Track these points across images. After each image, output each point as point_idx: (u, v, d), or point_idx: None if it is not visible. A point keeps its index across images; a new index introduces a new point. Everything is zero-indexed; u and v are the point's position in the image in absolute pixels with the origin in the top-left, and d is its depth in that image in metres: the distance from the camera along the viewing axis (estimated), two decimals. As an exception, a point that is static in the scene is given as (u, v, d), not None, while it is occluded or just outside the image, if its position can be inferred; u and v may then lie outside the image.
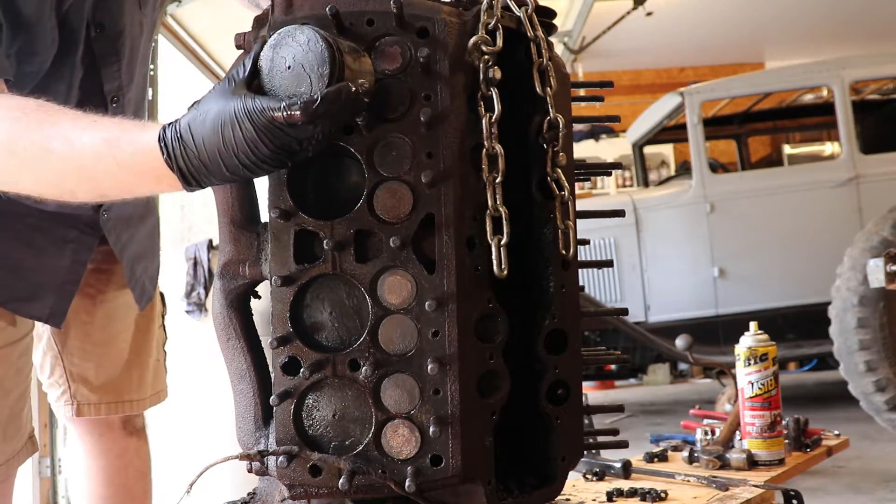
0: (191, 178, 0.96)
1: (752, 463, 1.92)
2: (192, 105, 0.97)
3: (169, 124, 0.97)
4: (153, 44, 1.69)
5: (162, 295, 1.86)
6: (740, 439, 2.04)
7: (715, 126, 6.50)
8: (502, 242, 1.02)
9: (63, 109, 1.06)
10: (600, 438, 1.30)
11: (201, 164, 0.94)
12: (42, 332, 1.66)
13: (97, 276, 1.66)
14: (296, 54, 0.91)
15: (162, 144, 0.95)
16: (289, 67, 0.92)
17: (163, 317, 1.86)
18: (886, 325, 4.05)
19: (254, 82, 0.93)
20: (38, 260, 1.46)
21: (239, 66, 0.95)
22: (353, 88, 0.90)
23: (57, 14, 1.33)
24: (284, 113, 0.88)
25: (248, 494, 1.19)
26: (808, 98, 6.34)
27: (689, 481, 1.77)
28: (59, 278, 1.50)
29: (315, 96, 0.88)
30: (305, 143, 0.92)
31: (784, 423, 2.08)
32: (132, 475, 1.78)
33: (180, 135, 0.94)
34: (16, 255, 1.43)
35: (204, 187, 0.99)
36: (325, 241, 1.01)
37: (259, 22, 1.08)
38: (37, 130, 1.03)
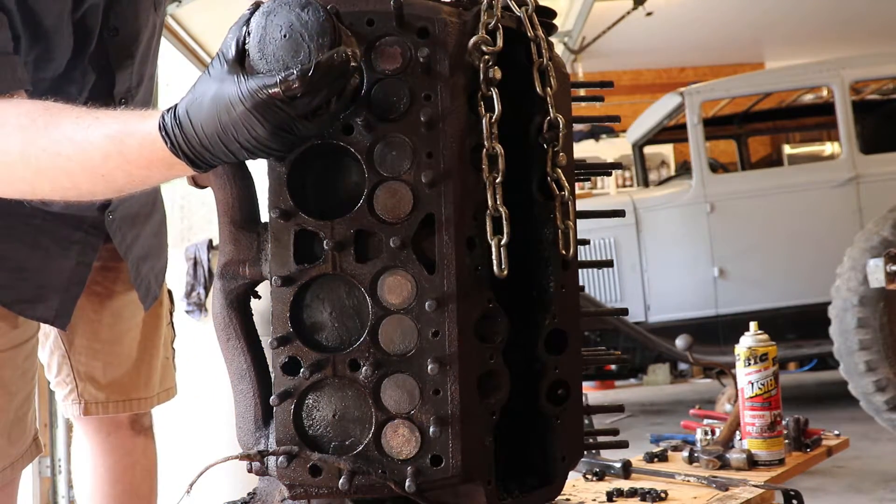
0: (199, 162, 0.95)
1: (752, 463, 1.92)
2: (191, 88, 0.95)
3: (168, 110, 0.95)
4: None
5: (170, 292, 1.85)
6: (740, 439, 2.04)
7: (715, 126, 6.50)
8: (502, 242, 1.02)
9: (66, 109, 1.05)
10: (600, 438, 1.30)
11: (204, 149, 0.93)
12: (49, 331, 1.65)
13: (104, 275, 1.65)
14: (292, 22, 0.89)
15: (163, 133, 0.94)
16: (284, 35, 0.89)
17: (171, 314, 1.85)
18: (886, 325, 4.04)
19: (245, 57, 0.90)
20: (42, 261, 1.45)
21: (229, 41, 0.92)
22: (350, 53, 0.88)
23: (73, 19, 1.32)
24: (282, 87, 0.85)
25: (248, 494, 1.19)
26: (808, 98, 6.34)
27: (689, 481, 1.77)
28: (64, 279, 1.49)
29: (312, 64, 0.86)
30: (303, 122, 0.89)
31: (784, 423, 2.08)
32: (139, 474, 1.77)
33: (179, 122, 0.93)
34: (20, 257, 1.42)
35: (215, 167, 0.98)
36: (325, 241, 1.01)
37: (257, 21, 1.08)
38: (45, 137, 1.02)
